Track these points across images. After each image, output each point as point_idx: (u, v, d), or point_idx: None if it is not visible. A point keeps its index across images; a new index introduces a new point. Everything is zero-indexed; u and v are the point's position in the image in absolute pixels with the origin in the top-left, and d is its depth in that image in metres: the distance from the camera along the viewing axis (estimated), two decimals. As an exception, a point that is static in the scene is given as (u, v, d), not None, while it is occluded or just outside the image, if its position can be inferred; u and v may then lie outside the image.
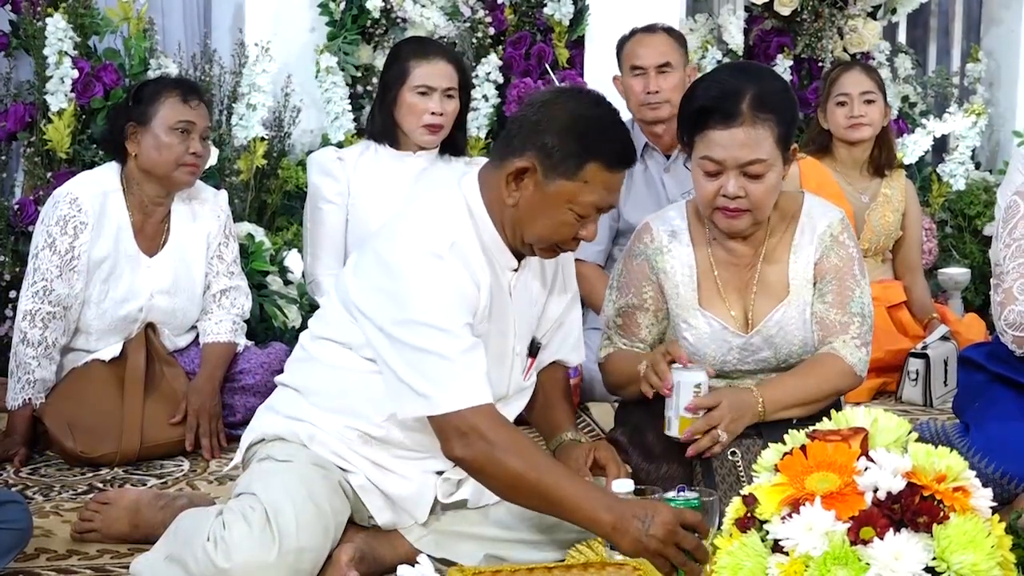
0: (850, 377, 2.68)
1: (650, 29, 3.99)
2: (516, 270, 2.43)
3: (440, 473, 2.43)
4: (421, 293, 2.24)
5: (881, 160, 4.25)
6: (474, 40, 4.73)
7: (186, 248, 3.45)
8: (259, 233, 4.22)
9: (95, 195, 3.30)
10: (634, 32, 4.01)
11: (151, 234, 3.40)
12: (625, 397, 2.78)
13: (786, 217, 2.73)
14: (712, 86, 2.61)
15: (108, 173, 3.38)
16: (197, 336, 3.54)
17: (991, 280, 2.88)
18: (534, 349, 2.51)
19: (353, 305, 2.36)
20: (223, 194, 3.60)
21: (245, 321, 3.59)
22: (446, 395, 2.22)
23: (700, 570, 2.07)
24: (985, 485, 1.90)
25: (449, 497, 2.44)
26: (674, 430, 2.53)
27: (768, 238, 2.72)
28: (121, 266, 3.34)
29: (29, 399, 3.27)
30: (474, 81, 4.59)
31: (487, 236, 2.36)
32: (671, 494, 2.08)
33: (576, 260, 3.96)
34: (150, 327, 3.41)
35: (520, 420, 3.33)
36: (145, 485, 3.08)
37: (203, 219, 3.49)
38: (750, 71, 2.76)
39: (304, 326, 2.92)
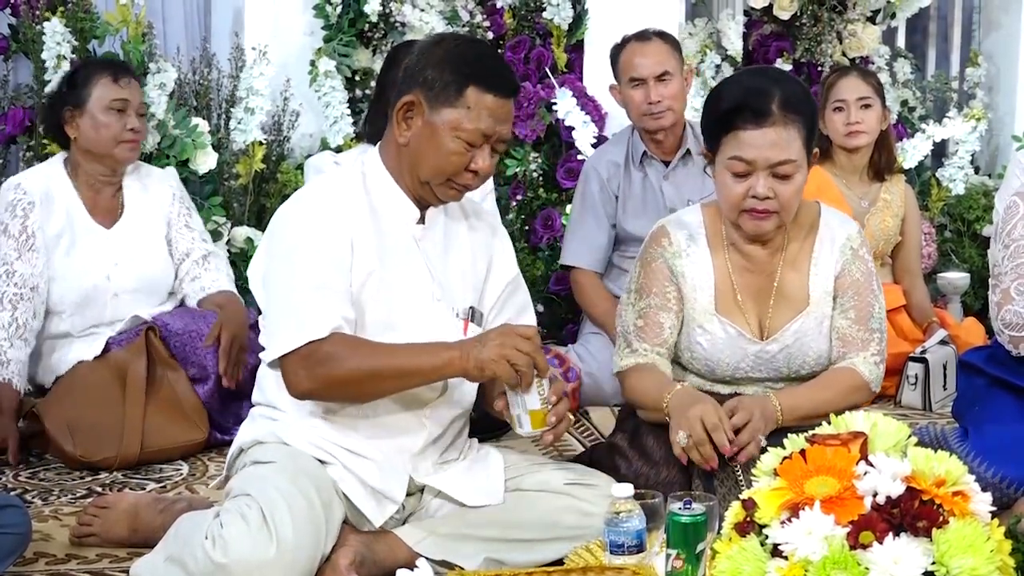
0: (865, 392, 2.70)
1: (643, 37, 3.90)
2: (421, 222, 2.48)
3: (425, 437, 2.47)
4: (278, 241, 2.39)
5: (881, 164, 4.25)
6: (473, 44, 4.72)
7: (143, 215, 3.54)
8: (258, 237, 4.22)
9: (38, 179, 3.44)
10: (627, 41, 3.92)
11: (105, 209, 3.51)
12: (642, 416, 2.71)
13: (804, 225, 2.72)
14: (737, 88, 2.61)
15: (51, 164, 3.53)
16: (180, 302, 3.60)
17: (989, 281, 2.88)
18: (477, 317, 2.53)
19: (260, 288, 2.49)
20: (171, 170, 3.75)
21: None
22: (281, 338, 2.33)
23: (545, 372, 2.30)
24: (984, 489, 1.90)
25: (426, 477, 2.47)
26: (527, 426, 2.35)
27: (787, 244, 2.70)
28: (81, 239, 3.44)
29: (7, 379, 3.27)
30: (473, 85, 4.57)
31: (380, 190, 2.45)
32: (676, 506, 2.07)
33: (575, 269, 3.99)
34: (151, 330, 3.41)
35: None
36: (144, 489, 3.08)
37: (155, 191, 3.59)
38: (771, 74, 2.78)
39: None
